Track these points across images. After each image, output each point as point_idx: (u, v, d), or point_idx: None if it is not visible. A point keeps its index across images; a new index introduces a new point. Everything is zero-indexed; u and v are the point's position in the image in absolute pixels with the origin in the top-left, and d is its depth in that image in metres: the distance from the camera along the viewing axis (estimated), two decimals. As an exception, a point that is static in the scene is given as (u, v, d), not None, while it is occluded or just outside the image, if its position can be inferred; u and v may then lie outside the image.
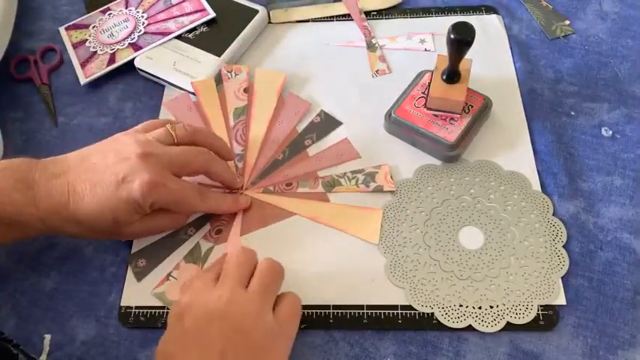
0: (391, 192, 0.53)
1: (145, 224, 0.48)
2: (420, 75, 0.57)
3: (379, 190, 0.53)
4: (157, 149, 0.46)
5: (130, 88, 0.63)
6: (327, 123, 0.58)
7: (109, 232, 0.47)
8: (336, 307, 0.47)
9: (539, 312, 0.46)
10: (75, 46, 0.65)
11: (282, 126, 0.58)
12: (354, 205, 0.52)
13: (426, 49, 0.61)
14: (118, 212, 0.45)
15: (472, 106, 0.54)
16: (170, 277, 0.50)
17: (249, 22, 0.64)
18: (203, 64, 0.61)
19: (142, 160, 0.45)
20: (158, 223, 0.49)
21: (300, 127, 0.58)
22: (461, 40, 0.48)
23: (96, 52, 0.64)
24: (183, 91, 0.60)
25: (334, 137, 0.57)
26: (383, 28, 0.65)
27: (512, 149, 0.55)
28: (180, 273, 0.50)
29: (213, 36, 0.64)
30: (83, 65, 0.64)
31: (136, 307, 0.49)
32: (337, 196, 0.53)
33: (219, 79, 0.61)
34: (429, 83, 0.54)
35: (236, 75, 0.61)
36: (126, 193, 0.44)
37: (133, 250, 0.52)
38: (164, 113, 0.60)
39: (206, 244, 0.52)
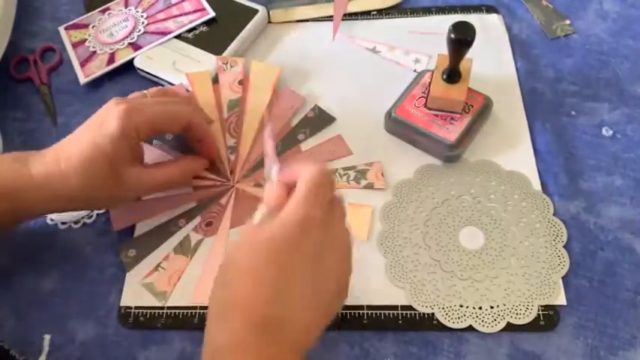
0: (383, 190, 0.53)
1: (156, 175, 0.49)
2: (421, 75, 0.57)
3: (370, 187, 0.53)
4: (132, 100, 0.49)
5: (130, 88, 0.62)
6: (320, 118, 0.58)
7: (111, 182, 0.47)
8: (336, 307, 0.47)
9: (540, 312, 0.46)
10: (74, 45, 0.65)
11: (276, 119, 0.58)
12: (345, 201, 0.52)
13: (414, 70, 0.60)
14: (107, 148, 0.45)
15: (472, 106, 0.54)
16: (159, 268, 0.50)
17: (249, 21, 0.64)
18: (203, 63, 0.61)
19: (116, 103, 0.47)
20: (169, 174, 0.50)
21: (294, 122, 0.58)
22: (461, 39, 0.48)
23: (95, 51, 0.64)
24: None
25: (328, 133, 0.57)
26: (383, 27, 0.65)
27: (512, 149, 0.54)
28: (169, 264, 0.51)
29: (212, 36, 0.64)
30: (83, 65, 0.63)
31: (136, 308, 0.49)
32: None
33: (217, 80, 0.61)
34: (430, 83, 0.54)
35: (231, 67, 0.61)
36: (109, 130, 0.45)
37: (125, 240, 0.52)
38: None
39: (196, 236, 0.52)
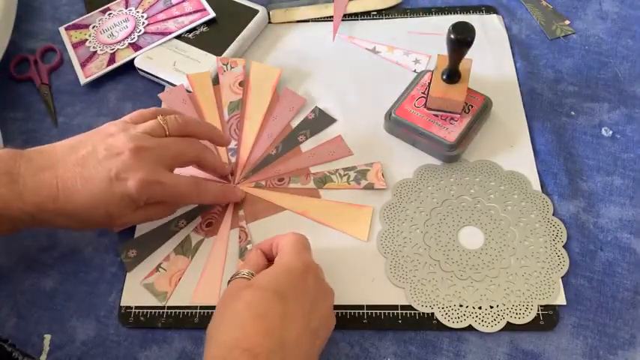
0: (383, 190, 0.53)
1: (137, 216, 0.48)
2: (420, 75, 0.57)
3: (370, 187, 0.53)
4: (149, 143, 0.46)
5: (130, 88, 0.63)
6: (321, 119, 0.58)
7: (101, 224, 0.48)
8: (336, 307, 0.47)
9: (539, 312, 0.46)
10: (75, 46, 0.65)
11: (277, 121, 0.58)
12: (345, 202, 0.53)
13: (414, 71, 0.60)
14: (112, 207, 0.45)
15: (472, 106, 0.54)
16: (160, 269, 0.50)
17: (249, 22, 0.64)
18: (203, 64, 0.61)
19: (134, 155, 0.44)
20: (150, 214, 0.49)
21: (295, 123, 0.58)
22: (461, 39, 0.48)
23: (96, 52, 0.64)
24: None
25: (328, 134, 0.57)
26: (383, 28, 0.65)
27: (512, 149, 0.55)
28: (169, 265, 0.51)
29: (213, 36, 0.64)
30: (83, 65, 0.64)
31: (136, 307, 0.49)
32: (329, 193, 0.53)
33: (217, 80, 0.61)
34: (429, 83, 0.54)
35: (232, 68, 0.61)
36: (120, 191, 0.44)
37: (126, 241, 0.52)
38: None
39: (196, 236, 0.52)
